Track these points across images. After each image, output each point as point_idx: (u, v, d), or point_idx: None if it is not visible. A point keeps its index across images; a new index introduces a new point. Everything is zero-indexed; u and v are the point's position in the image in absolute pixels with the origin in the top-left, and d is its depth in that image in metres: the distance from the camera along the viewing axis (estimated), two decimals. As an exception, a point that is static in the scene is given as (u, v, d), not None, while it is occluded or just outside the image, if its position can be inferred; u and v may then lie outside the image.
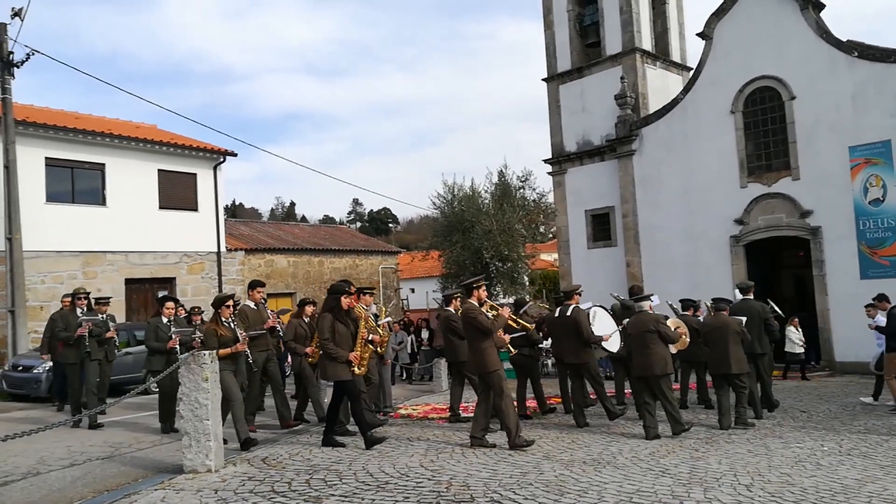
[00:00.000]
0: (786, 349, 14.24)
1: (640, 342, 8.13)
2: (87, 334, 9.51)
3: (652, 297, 8.82)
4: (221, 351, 7.33)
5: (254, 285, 9.40)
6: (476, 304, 7.65)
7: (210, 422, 6.23)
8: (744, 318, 9.05)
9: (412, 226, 65.97)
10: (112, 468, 6.78)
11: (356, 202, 78.04)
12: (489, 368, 7.36)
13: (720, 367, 8.69)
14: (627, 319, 8.83)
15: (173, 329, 8.99)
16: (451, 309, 8.97)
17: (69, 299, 10.90)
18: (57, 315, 10.70)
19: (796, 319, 14.51)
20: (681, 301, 11.13)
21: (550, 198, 21.91)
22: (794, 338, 14.31)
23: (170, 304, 9.24)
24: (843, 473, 6.14)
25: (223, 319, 7.73)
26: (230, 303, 7.92)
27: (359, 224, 70.54)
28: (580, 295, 9.60)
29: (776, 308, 10.51)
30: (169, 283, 19.04)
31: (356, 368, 7.63)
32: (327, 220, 66.51)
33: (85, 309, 10.23)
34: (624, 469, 6.29)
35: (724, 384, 8.73)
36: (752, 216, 16.69)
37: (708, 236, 17.35)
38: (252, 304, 9.24)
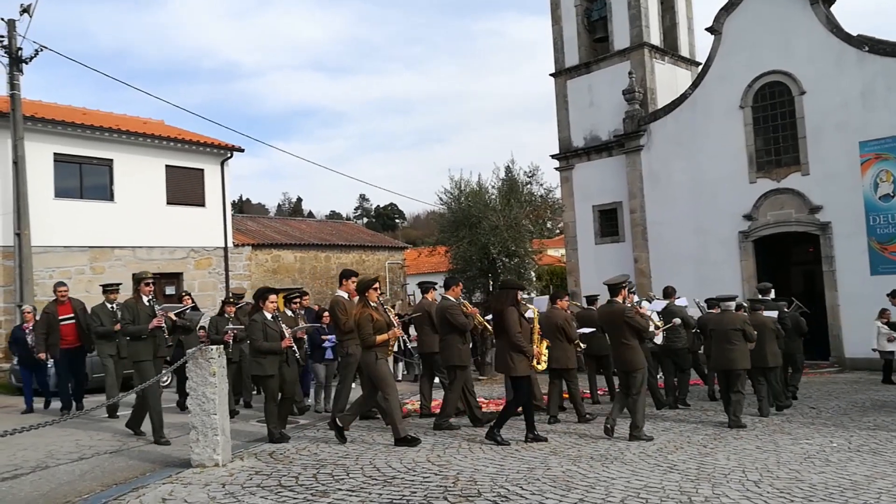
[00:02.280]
0: (875, 347, 12.87)
1: (724, 338, 8.65)
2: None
3: (679, 298, 9.73)
4: (379, 337, 7.28)
5: (347, 275, 8.81)
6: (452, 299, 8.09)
7: (217, 416, 6.24)
8: (775, 313, 9.62)
9: (419, 221, 65.93)
10: (120, 462, 6.80)
11: (363, 198, 78.02)
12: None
13: (758, 362, 9.05)
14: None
15: (157, 308, 8.25)
16: (451, 297, 8.66)
17: (114, 290, 9.94)
18: (123, 306, 8.45)
19: (889, 312, 12.67)
20: (706, 300, 11.28)
21: (557, 193, 21.91)
22: (885, 333, 12.61)
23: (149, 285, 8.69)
24: (852, 470, 6.11)
25: (372, 303, 7.47)
26: (377, 286, 7.72)
27: (365, 220, 70.54)
28: (625, 288, 8.33)
29: (801, 305, 11.17)
30: (176, 278, 19.09)
31: (538, 364, 7.74)
32: (334, 216, 66.58)
33: (152, 297, 8.37)
34: (632, 465, 6.26)
35: (759, 377, 9.19)
36: (762, 212, 16.60)
37: (716, 232, 17.26)
38: (346, 295, 8.67)
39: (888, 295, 10.99)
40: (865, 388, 12.07)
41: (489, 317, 8.47)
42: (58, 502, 5.49)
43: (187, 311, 10.11)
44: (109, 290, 9.97)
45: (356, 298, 7.91)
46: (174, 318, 9.95)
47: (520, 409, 7.49)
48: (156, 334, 7.91)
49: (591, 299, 11.63)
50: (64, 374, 10.37)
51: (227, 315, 10.75)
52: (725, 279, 16.13)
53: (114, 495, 5.48)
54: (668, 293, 10.70)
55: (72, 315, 10.29)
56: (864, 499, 5.18)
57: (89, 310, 10.18)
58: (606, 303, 8.23)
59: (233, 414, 8.63)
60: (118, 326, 9.22)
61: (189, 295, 11.33)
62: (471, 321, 8.54)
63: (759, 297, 10.61)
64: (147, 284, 8.12)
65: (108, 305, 9.78)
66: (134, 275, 8.38)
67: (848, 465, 6.31)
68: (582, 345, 9.78)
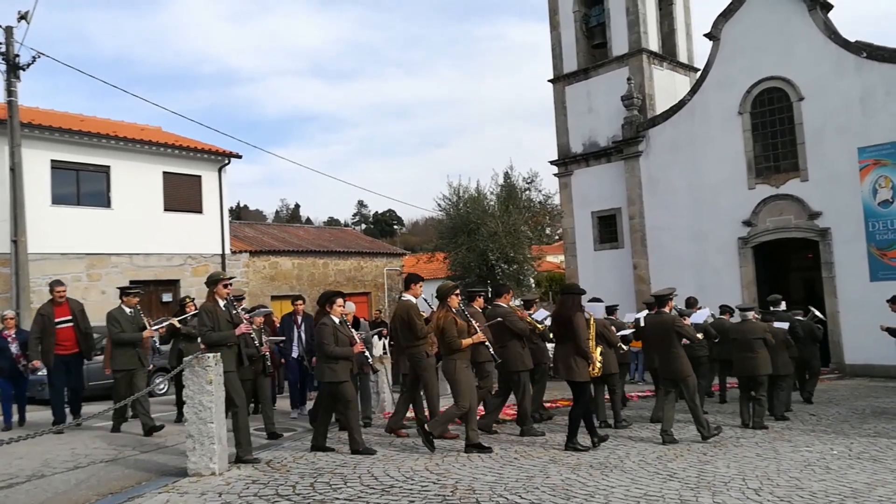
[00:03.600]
0: None
1: (746, 347, 9.01)
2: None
3: (703, 309, 10.26)
4: (465, 341, 7.32)
5: (416, 280, 8.51)
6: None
7: (214, 425, 6.19)
8: (786, 324, 9.94)
9: (417, 228, 65.99)
10: (116, 471, 6.74)
11: (361, 204, 78.10)
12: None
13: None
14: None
15: (243, 313, 7.78)
16: (503, 304, 8.77)
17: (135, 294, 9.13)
18: (202, 311, 7.22)
19: None
20: (720, 307, 11.71)
21: (556, 199, 21.93)
22: None
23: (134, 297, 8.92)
24: (852, 477, 6.07)
25: (453, 308, 7.52)
26: (458, 291, 7.71)
27: (364, 226, 70.58)
28: (672, 299, 8.60)
29: (818, 314, 11.76)
30: (173, 285, 19.04)
31: (593, 370, 7.76)
32: (332, 222, 66.54)
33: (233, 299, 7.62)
34: (631, 473, 6.22)
35: (771, 384, 9.41)
36: (761, 218, 16.59)
37: (715, 238, 17.25)
38: (414, 300, 8.44)
39: (888, 301, 10.95)
40: (865, 395, 12.04)
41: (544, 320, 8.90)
42: (52, 512, 5.44)
43: (188, 318, 10.01)
44: (130, 293, 9.01)
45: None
46: (177, 324, 9.81)
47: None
48: (238, 342, 7.19)
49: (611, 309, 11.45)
50: (59, 384, 9.26)
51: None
52: (724, 285, 16.12)
53: (109, 505, 5.44)
54: (691, 304, 10.88)
55: (69, 318, 9.27)
56: (865, 507, 5.14)
57: (105, 316, 9.06)
58: (655, 313, 8.51)
59: (276, 436, 8.31)
60: (149, 333, 8.80)
61: (192, 301, 10.60)
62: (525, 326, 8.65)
63: (771, 308, 11.02)
64: (226, 286, 7.21)
65: (127, 310, 8.84)
66: (210, 275, 7.37)
67: (848, 472, 6.27)
68: (624, 346, 9.90)
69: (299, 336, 10.33)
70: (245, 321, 7.28)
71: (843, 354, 15.33)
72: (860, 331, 14.24)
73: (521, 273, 23.32)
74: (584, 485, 5.76)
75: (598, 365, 7.89)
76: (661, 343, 8.21)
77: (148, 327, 9.02)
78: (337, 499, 5.35)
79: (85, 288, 16.73)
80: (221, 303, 7.07)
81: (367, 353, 7.81)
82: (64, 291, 9.48)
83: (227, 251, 20.43)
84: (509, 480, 5.90)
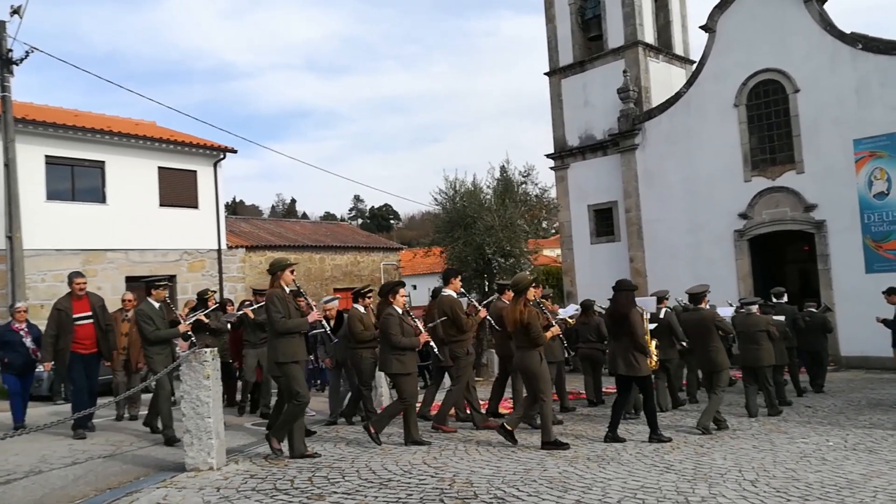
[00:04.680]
0: None
1: (750, 339, 9.25)
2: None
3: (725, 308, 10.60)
4: (548, 333, 7.40)
5: (455, 274, 8.62)
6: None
7: (212, 419, 6.19)
8: (783, 318, 10.39)
9: (414, 222, 65.95)
10: (114, 466, 6.75)
11: (357, 199, 78.01)
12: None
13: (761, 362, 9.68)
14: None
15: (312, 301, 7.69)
16: (505, 300, 8.58)
17: (161, 290, 8.14)
18: (271, 299, 6.69)
19: None
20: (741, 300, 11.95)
21: (553, 193, 21.85)
22: None
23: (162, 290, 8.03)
24: (848, 468, 6.10)
25: (530, 301, 7.45)
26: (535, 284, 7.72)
27: (360, 221, 70.48)
28: (706, 296, 8.96)
29: (829, 307, 12.51)
30: (170, 280, 18.99)
31: (652, 363, 7.93)
32: (328, 217, 66.50)
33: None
34: (628, 465, 6.24)
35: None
36: (757, 210, 16.61)
37: (712, 231, 17.27)
38: (454, 294, 8.44)
39: (884, 292, 10.98)
40: (861, 387, 12.09)
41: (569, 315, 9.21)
42: (50, 508, 5.44)
43: (213, 312, 9.66)
44: (160, 286, 8.09)
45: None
46: (204, 318, 9.37)
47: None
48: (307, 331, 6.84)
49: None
50: (81, 383, 8.34)
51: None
52: (721, 278, 16.13)
53: (108, 500, 5.44)
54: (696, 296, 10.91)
55: (89, 313, 8.39)
56: (859, 497, 5.17)
57: (135, 312, 8.37)
58: (692, 309, 8.89)
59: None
60: (185, 327, 8.12)
61: (214, 293, 9.94)
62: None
63: (774, 299, 11.47)
64: (292, 271, 6.83)
65: (156, 304, 7.97)
66: (275, 262, 6.89)
67: (844, 463, 6.30)
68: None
69: None
70: (316, 309, 7.12)
71: (839, 346, 15.35)
72: (856, 323, 14.28)
73: (517, 267, 23.26)
74: (582, 477, 5.78)
75: (655, 358, 8.17)
76: (701, 337, 8.59)
77: (182, 321, 8.31)
78: (335, 492, 5.36)
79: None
80: (286, 290, 6.73)
81: (433, 344, 7.71)
82: (84, 283, 8.54)
83: (223, 246, 20.40)
84: (507, 473, 5.92)
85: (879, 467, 6.12)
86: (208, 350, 6.44)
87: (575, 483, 5.58)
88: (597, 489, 5.38)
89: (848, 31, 15.50)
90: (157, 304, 7.97)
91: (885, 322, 10.57)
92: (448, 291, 8.38)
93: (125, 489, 5.74)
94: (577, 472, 5.98)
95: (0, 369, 9.19)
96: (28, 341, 8.92)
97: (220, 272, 20.17)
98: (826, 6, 15.96)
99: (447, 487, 5.46)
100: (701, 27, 17.81)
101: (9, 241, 14.90)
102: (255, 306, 9.42)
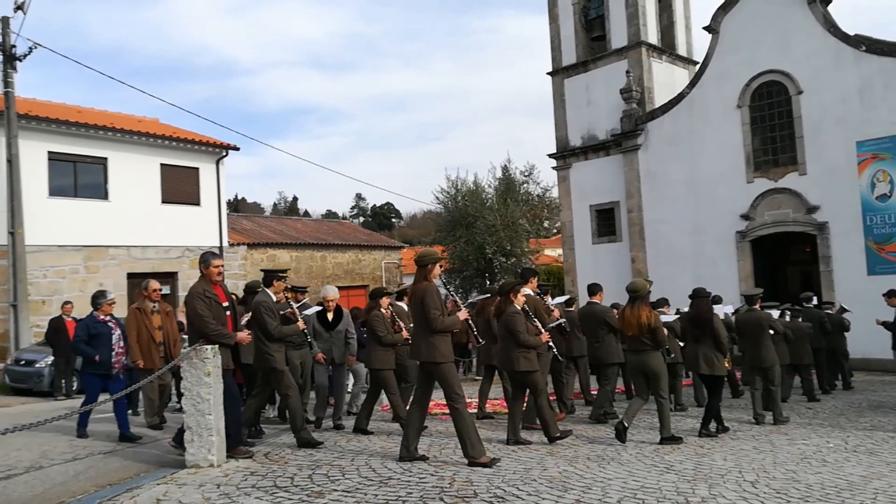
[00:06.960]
0: None
1: (754, 338, 9.28)
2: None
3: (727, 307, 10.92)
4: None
5: (533, 274, 8.70)
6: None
7: (212, 416, 6.18)
8: (788, 315, 10.85)
9: (415, 221, 65.94)
10: (114, 462, 6.75)
11: (359, 197, 77.99)
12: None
13: (757, 362, 9.72)
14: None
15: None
16: (597, 301, 9.38)
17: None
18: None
19: None
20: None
21: (555, 192, 21.92)
22: None
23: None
24: (848, 470, 6.09)
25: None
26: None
27: (362, 219, 70.49)
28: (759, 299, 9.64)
29: (845, 307, 12.90)
30: (171, 277, 19.03)
31: (728, 364, 8.29)
32: (330, 215, 66.52)
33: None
34: (628, 465, 6.24)
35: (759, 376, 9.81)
36: (759, 211, 16.60)
37: (714, 231, 17.26)
38: (532, 293, 8.31)
39: (884, 295, 10.97)
40: (862, 389, 12.09)
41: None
42: (51, 503, 5.44)
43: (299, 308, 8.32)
44: (282, 278, 7.47)
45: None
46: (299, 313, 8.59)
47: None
48: None
49: (570, 301, 11.29)
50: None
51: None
52: (722, 279, 16.11)
53: (108, 496, 5.43)
54: (716, 301, 10.94)
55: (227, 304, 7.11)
56: (860, 499, 5.16)
57: (253, 306, 7.28)
58: (746, 311, 9.45)
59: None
60: (302, 325, 7.52)
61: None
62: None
63: (804, 304, 11.90)
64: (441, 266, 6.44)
65: (275, 298, 7.31)
66: (424, 253, 6.50)
67: (844, 465, 6.29)
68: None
69: None
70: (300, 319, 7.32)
71: (840, 348, 15.34)
72: (857, 325, 14.16)
73: (519, 266, 23.30)
74: (582, 477, 5.77)
75: (728, 359, 8.56)
76: (755, 336, 9.20)
77: (299, 318, 7.62)
78: (335, 490, 5.36)
79: (83, 280, 16.71)
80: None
81: (552, 344, 7.89)
82: (221, 267, 7.21)
83: (225, 243, 20.41)
84: (507, 472, 5.91)
85: (880, 469, 6.12)
86: (209, 347, 6.38)
87: (575, 483, 5.57)
88: (597, 489, 5.38)
89: (852, 33, 15.48)
90: (275, 297, 7.29)
91: (884, 324, 10.57)
92: (526, 290, 8.38)
93: (125, 485, 5.73)
94: (578, 471, 5.97)
95: (84, 369, 8.10)
96: (116, 337, 7.95)
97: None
98: (830, 8, 15.94)
99: (447, 486, 5.45)
100: (704, 28, 17.80)
101: (11, 236, 14.93)
102: (298, 304, 8.40)
